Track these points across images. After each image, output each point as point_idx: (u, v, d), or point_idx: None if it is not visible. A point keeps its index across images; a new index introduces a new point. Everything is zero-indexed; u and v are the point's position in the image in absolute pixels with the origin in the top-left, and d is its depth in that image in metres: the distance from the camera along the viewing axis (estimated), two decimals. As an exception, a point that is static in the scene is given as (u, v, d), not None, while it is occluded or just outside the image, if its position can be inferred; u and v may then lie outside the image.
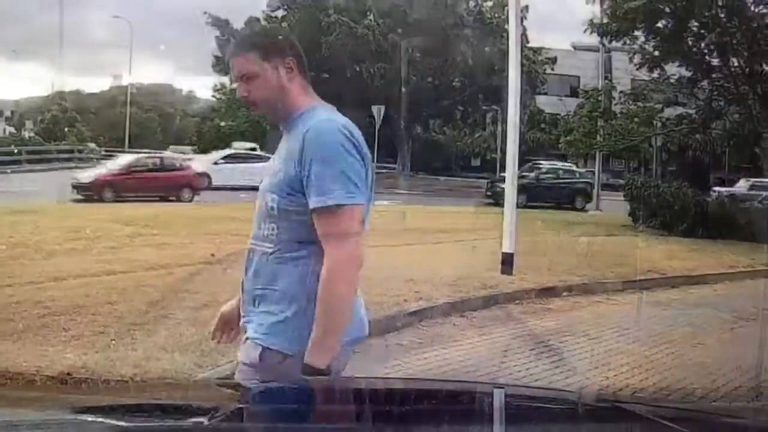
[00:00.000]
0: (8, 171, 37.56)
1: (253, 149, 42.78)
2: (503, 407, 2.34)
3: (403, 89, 45.15)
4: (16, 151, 45.94)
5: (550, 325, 9.40)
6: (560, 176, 35.16)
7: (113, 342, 6.64)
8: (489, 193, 32.88)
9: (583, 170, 37.23)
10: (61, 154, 46.55)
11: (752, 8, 20.12)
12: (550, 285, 11.36)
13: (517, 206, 31.02)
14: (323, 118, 2.93)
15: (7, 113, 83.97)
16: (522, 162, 16.95)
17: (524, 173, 35.79)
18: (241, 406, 2.14)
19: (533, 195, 31.81)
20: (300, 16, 46.99)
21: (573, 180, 35.08)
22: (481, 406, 2.33)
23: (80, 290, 8.63)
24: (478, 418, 2.21)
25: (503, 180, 35.06)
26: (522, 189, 32.07)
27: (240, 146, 43.09)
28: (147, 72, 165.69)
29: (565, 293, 11.28)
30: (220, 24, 49.15)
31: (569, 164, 37.79)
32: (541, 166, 36.42)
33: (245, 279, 3.05)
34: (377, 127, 32.00)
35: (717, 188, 31.90)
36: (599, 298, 11.40)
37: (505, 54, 12.83)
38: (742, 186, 32.54)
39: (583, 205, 33.33)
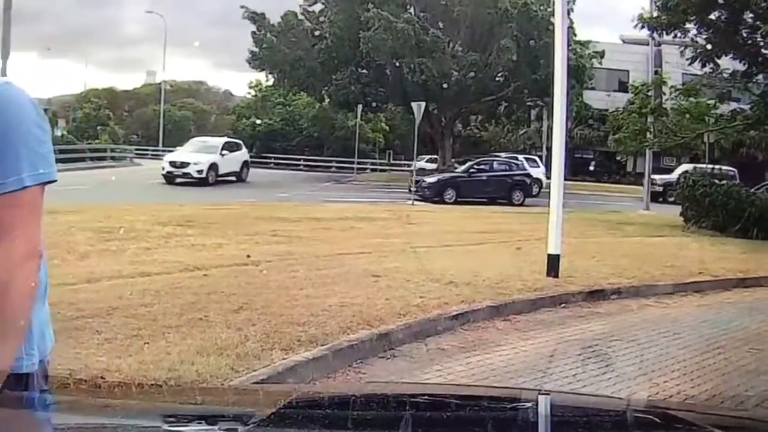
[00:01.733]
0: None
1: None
2: (549, 414, 2.33)
3: (445, 85, 45.10)
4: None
5: (597, 329, 9.33)
6: (495, 169, 34.96)
7: (147, 345, 6.69)
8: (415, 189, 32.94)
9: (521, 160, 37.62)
10: (94, 153, 47.11)
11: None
12: (597, 287, 11.28)
13: (446, 202, 31.12)
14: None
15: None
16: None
17: (452, 167, 36.46)
18: (277, 411, 2.15)
19: (463, 190, 32.16)
20: (338, 11, 47.10)
21: (510, 173, 34.86)
22: (525, 413, 2.31)
23: (114, 292, 8.72)
24: (523, 425, 2.20)
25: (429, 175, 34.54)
26: (449, 184, 32.35)
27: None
28: (181, 69, 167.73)
29: (613, 296, 11.19)
30: (257, 18, 49.32)
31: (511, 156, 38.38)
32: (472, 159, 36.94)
33: None
34: (417, 123, 32.02)
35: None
36: (649, 301, 11.29)
37: (551, 48, 12.74)
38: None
39: (522, 200, 33.11)
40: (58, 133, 65.77)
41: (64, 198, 22.07)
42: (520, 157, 40.75)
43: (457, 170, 34.67)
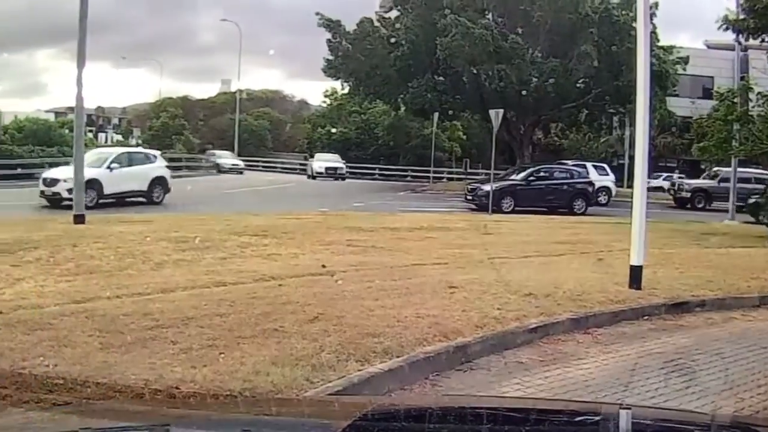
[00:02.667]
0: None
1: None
2: (630, 429, 2.30)
3: (524, 92, 44.85)
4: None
5: (680, 343, 9.17)
6: (555, 176, 34.08)
7: (222, 355, 6.78)
8: (470, 197, 32.60)
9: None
10: (171, 163, 47.86)
11: None
12: (681, 300, 11.08)
13: (503, 211, 30.19)
14: None
15: (115, 120, 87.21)
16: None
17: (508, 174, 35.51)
18: (353, 422, 2.16)
19: (522, 198, 31.42)
20: (414, 17, 47.21)
21: (571, 181, 34.02)
22: (606, 427, 2.29)
23: (189, 302, 8.86)
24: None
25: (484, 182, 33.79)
26: (506, 192, 31.73)
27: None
28: (256, 77, 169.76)
29: (697, 308, 10.99)
30: (332, 26, 49.71)
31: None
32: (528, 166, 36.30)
33: None
34: (494, 131, 31.86)
35: None
36: (735, 314, 11.05)
37: (633, 53, 12.57)
38: None
39: (584, 209, 32.31)
40: (133, 141, 67.32)
41: (141, 208, 22.62)
42: (588, 164, 40.21)
43: (515, 178, 34.04)
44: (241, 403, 4.16)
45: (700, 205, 36.29)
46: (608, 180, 39.31)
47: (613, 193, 37.86)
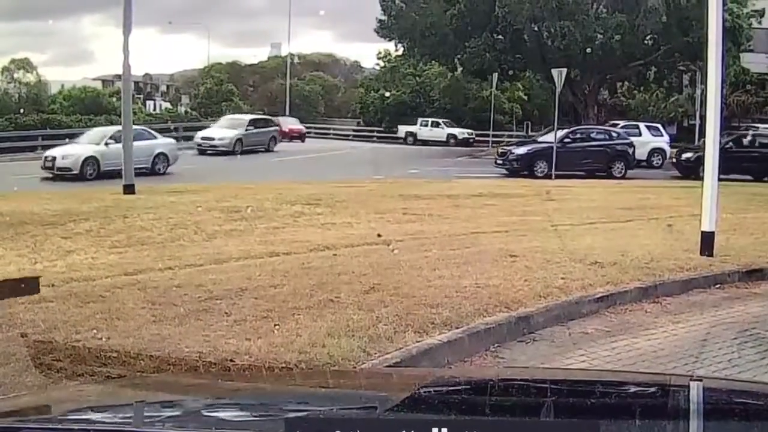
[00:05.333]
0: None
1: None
2: (702, 401, 2.30)
3: (588, 50, 44.27)
4: (172, 127, 47.73)
5: (755, 311, 9.06)
6: (593, 138, 33.09)
7: (277, 327, 6.85)
8: (501, 161, 31.65)
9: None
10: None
11: None
12: (756, 267, 10.93)
13: (537, 176, 29.01)
14: None
15: (163, 88, 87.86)
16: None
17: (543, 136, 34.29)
18: (412, 395, 2.19)
19: (557, 162, 30.11)
20: (471, -27, 46.75)
21: (610, 143, 32.97)
22: (677, 400, 2.29)
23: (242, 273, 8.96)
24: (674, 412, 2.18)
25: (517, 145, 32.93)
26: (540, 155, 30.79)
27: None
28: (307, 41, 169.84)
29: (773, 276, 10.84)
30: (386, -17, 49.45)
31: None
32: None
33: None
34: (558, 91, 31.52)
35: None
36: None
37: (704, 7, 12.35)
38: None
39: (623, 172, 31.45)
40: (182, 109, 67.83)
41: (190, 177, 22.84)
42: (641, 125, 39.48)
43: (549, 140, 32.43)
44: (296, 375, 4.21)
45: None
46: (662, 141, 38.53)
47: (668, 154, 37.03)
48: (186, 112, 64.08)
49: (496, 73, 48.55)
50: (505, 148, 33.47)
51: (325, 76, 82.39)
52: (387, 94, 64.39)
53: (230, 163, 33.38)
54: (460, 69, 52.40)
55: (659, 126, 40.74)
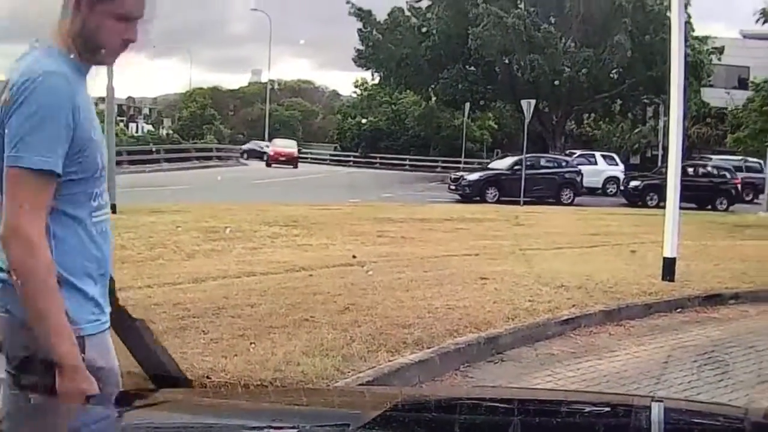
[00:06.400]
0: (147, 170, 39.24)
1: None
2: (662, 422, 2.29)
3: (556, 82, 44.62)
4: (154, 149, 47.56)
5: (714, 335, 9.11)
6: (542, 166, 33.22)
7: (253, 345, 6.81)
8: (453, 187, 31.80)
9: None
10: (200, 153, 48.20)
11: None
12: (714, 292, 11.01)
13: (488, 201, 29.29)
14: None
15: (146, 111, 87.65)
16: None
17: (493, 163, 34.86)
18: (383, 413, 2.17)
19: (507, 188, 30.57)
20: (446, 6, 47.09)
21: (559, 170, 33.37)
22: (638, 420, 2.28)
23: (219, 291, 8.91)
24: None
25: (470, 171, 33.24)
26: (491, 182, 31.20)
27: None
28: (286, 68, 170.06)
29: (731, 301, 10.91)
30: (363, 15, 49.64)
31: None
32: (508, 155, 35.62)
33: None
34: (527, 121, 31.74)
35: None
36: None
37: (667, 43, 12.48)
38: None
39: (572, 199, 31.83)
40: (164, 132, 67.66)
41: (171, 197, 22.73)
42: (597, 153, 40.01)
43: (500, 167, 33.33)
44: (271, 392, 4.18)
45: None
46: (618, 170, 39.02)
47: (622, 183, 37.43)
48: (168, 134, 63.91)
49: (468, 103, 48.87)
50: (458, 174, 33.68)
51: (304, 102, 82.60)
52: (363, 120, 64.54)
53: (213, 183, 33.30)
54: (434, 98, 52.73)
55: (614, 155, 41.20)
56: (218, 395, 3.32)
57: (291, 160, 49.51)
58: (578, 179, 33.40)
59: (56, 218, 2.45)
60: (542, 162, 33.25)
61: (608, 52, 44.21)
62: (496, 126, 60.32)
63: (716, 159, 38.74)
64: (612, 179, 37.96)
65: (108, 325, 2.65)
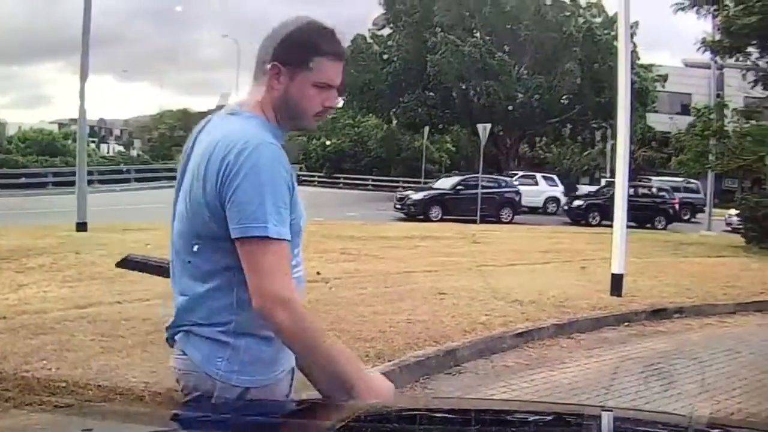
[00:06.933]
0: (117, 189, 38.91)
1: None
2: (612, 431, 2.30)
3: (510, 107, 44.97)
4: (125, 169, 47.19)
5: (660, 348, 9.19)
6: (483, 186, 32.71)
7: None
8: (399, 206, 31.71)
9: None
10: (169, 173, 47.69)
11: None
12: (660, 306, 11.12)
13: (432, 220, 29.20)
14: None
15: (117, 132, 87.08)
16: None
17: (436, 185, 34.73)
18: (346, 424, 2.16)
19: (450, 207, 30.65)
20: (406, 35, 47.35)
21: (498, 190, 33.43)
22: (588, 430, 2.29)
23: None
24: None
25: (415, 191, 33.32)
26: (435, 201, 31.22)
27: None
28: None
29: (675, 315, 11.02)
30: (327, 43, 49.60)
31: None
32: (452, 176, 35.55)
33: None
34: (482, 144, 31.90)
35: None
36: (711, 320, 11.10)
37: (614, 71, 12.62)
38: None
39: (511, 218, 32.02)
40: (134, 153, 67.21)
41: (140, 216, 22.51)
42: (538, 175, 40.42)
43: (443, 187, 33.29)
44: (237, 405, 4.13)
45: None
46: (557, 190, 39.49)
47: (562, 202, 37.78)
48: (138, 155, 63.47)
49: (427, 126, 49.09)
50: (403, 193, 33.60)
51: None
52: (328, 142, 64.52)
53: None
54: (394, 121, 52.94)
55: (554, 177, 41.57)
56: (185, 407, 3.28)
57: None
58: (517, 199, 33.61)
59: None
60: (483, 183, 33.26)
61: (559, 79, 44.69)
62: (453, 148, 60.62)
63: (656, 180, 39.32)
64: (552, 199, 38.44)
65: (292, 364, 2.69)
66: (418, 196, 32.22)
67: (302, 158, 65.90)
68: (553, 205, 38.12)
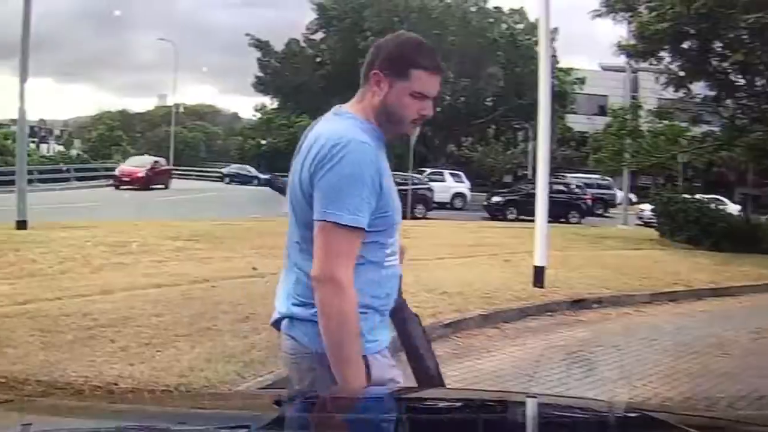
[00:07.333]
0: (57, 188, 38.08)
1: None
2: (536, 416, 2.32)
3: (437, 109, 45.22)
4: (64, 168, 46.18)
5: (580, 336, 9.33)
6: (396, 183, 33.10)
7: (159, 353, 6.66)
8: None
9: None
10: (108, 172, 46.89)
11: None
12: (580, 297, 11.28)
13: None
14: None
15: (57, 132, 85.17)
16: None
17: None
18: (282, 414, 2.14)
19: None
20: (338, 39, 47.32)
21: (411, 187, 32.62)
22: (513, 416, 2.31)
23: (126, 303, 8.68)
24: (511, 427, 2.19)
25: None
26: None
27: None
28: (191, 93, 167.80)
29: (595, 305, 11.20)
30: (262, 46, 49.53)
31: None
32: None
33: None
34: (411, 144, 32.00)
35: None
36: (628, 309, 11.31)
37: (535, 74, 12.78)
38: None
39: (424, 213, 31.84)
40: (74, 152, 65.79)
41: (80, 214, 22.09)
42: (445, 171, 40.51)
43: None
44: (176, 397, 4.09)
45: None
46: (464, 186, 39.76)
47: (468, 198, 37.98)
48: (78, 155, 62.14)
49: (360, 127, 49.03)
50: None
51: (207, 125, 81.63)
52: (263, 142, 64.09)
53: (121, 201, 32.52)
54: (328, 122, 52.70)
55: (460, 173, 41.72)
56: (125, 400, 3.22)
57: (137, 181, 40.62)
58: (430, 195, 33.68)
59: (356, 262, 2.61)
60: (398, 180, 33.03)
61: (484, 82, 45.19)
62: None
63: (570, 177, 40.00)
64: (459, 195, 38.64)
65: (385, 344, 2.83)
66: None
67: (239, 157, 65.36)
68: (460, 200, 38.30)
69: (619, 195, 37.27)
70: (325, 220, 2.55)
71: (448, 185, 38.93)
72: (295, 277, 2.79)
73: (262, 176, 43.91)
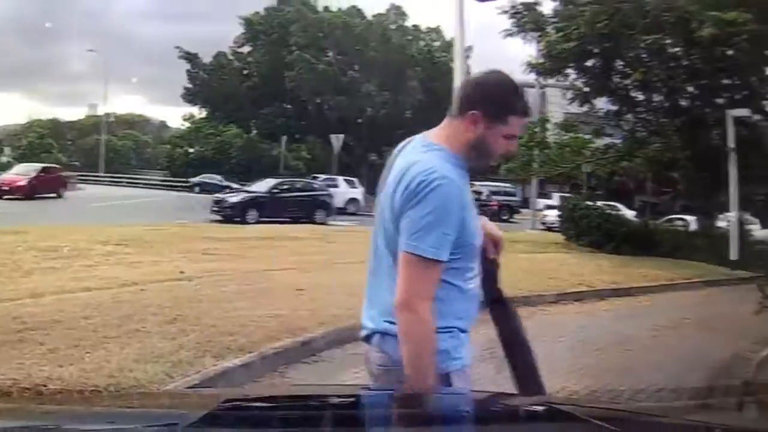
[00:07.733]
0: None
1: None
2: (450, 410, 2.34)
3: (360, 120, 45.36)
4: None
5: (491, 335, 9.41)
6: (297, 189, 32.34)
7: (88, 354, 6.50)
8: (216, 209, 29.69)
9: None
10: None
11: (670, 50, 20.54)
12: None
13: (248, 222, 27.53)
14: None
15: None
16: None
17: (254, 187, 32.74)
18: (209, 413, 2.11)
19: (267, 210, 29.19)
20: (264, 52, 47.06)
21: (312, 193, 32.68)
22: (437, 408, 2.32)
23: (56, 306, 8.45)
24: (422, 420, 2.20)
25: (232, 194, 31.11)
26: (251, 204, 29.38)
27: None
28: (121, 103, 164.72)
29: (507, 305, 11.30)
30: (191, 58, 48.98)
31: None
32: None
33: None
34: (335, 153, 32.02)
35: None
36: (535, 309, 11.46)
37: (451, 89, 12.93)
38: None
39: (324, 219, 31.07)
40: (4, 159, 63.84)
41: (10, 220, 21.44)
42: (339, 178, 40.29)
43: (259, 190, 31.16)
44: (105, 397, 3.99)
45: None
46: (358, 192, 39.81)
47: (362, 204, 38.07)
48: (8, 162, 60.31)
49: (285, 136, 48.86)
50: (219, 196, 31.67)
51: (137, 134, 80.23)
52: (191, 150, 63.21)
53: (52, 206, 31.61)
54: (254, 131, 52.47)
55: (354, 180, 41.68)
56: (54, 401, 3.13)
57: (18, 190, 34.73)
58: (329, 201, 32.90)
59: (441, 285, 2.70)
60: (298, 186, 32.35)
61: (403, 95, 45.43)
62: (309, 156, 60.54)
63: (479, 185, 40.63)
64: (352, 200, 38.65)
65: (467, 362, 3.01)
66: (234, 198, 30.50)
67: (167, 165, 64.35)
68: (352, 205, 38.34)
69: (541, 202, 37.86)
70: (409, 252, 2.63)
71: (342, 191, 38.80)
72: (390, 297, 2.76)
73: (234, 185, 41.93)
